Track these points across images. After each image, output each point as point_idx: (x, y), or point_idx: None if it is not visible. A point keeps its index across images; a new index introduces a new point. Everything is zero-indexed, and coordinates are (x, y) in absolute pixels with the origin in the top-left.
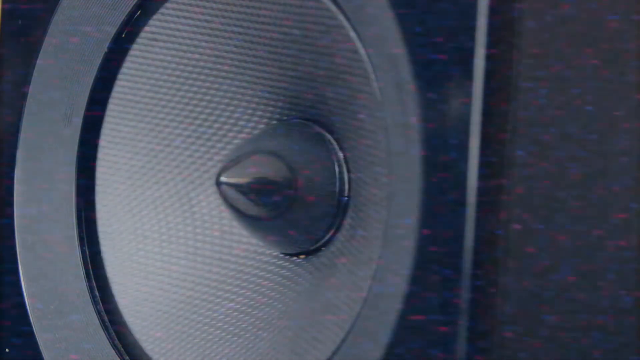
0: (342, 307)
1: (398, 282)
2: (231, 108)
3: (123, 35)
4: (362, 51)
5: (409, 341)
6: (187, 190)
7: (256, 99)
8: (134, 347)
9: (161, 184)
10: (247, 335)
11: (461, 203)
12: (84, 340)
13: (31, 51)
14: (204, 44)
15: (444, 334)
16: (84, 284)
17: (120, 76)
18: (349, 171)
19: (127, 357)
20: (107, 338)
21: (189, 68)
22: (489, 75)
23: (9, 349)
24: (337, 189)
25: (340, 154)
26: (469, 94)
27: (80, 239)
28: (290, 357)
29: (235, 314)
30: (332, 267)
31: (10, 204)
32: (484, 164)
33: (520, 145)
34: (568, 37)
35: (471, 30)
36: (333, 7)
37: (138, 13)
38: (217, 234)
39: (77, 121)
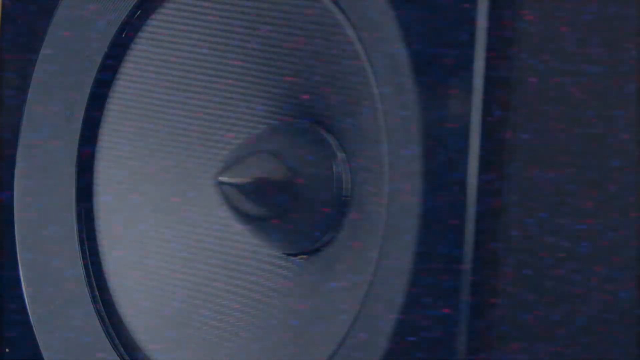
0: (342, 307)
1: (398, 282)
2: (231, 108)
3: (123, 35)
4: (362, 51)
5: (408, 341)
6: (187, 190)
7: (256, 99)
8: (134, 347)
9: (161, 184)
10: (247, 335)
11: (461, 203)
12: (84, 340)
13: (31, 51)
14: (204, 43)
15: (444, 334)
16: (84, 284)
17: (120, 76)
18: (349, 171)
19: (127, 357)
20: (107, 338)
21: (189, 68)
22: (489, 75)
23: (9, 349)
24: (337, 189)
25: (340, 154)
26: (469, 94)
27: (80, 238)
28: (290, 357)
29: (235, 314)
30: (332, 267)
31: (10, 203)
32: (484, 164)
33: (521, 145)
34: (568, 36)
35: (471, 30)
36: (333, 7)
37: (138, 13)
38: (216, 230)
39: (77, 121)
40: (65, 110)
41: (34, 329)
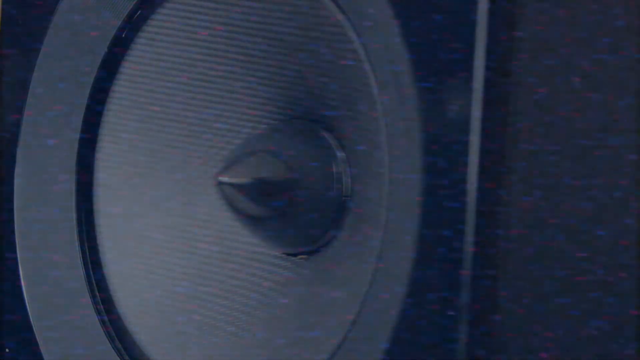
0: (342, 307)
1: (398, 282)
2: (231, 108)
3: (123, 35)
4: (361, 51)
5: (408, 341)
6: (187, 190)
7: (256, 99)
8: (134, 347)
9: (161, 184)
10: (247, 335)
11: (462, 203)
12: (84, 340)
13: (31, 51)
14: (203, 43)
15: (443, 334)
16: (84, 284)
17: (120, 76)
18: (349, 171)
19: (127, 357)
20: (107, 338)
21: (189, 68)
22: (489, 74)
23: (9, 349)
24: (337, 189)
25: (340, 154)
26: (469, 94)
27: (80, 239)
28: (290, 357)
29: (235, 313)
30: (332, 267)
31: (10, 203)
32: (484, 164)
33: (521, 145)
34: (569, 36)
35: (471, 30)
36: (333, 7)
37: (138, 13)
38: (214, 232)
39: (77, 121)
40: (65, 110)
41: (34, 329)
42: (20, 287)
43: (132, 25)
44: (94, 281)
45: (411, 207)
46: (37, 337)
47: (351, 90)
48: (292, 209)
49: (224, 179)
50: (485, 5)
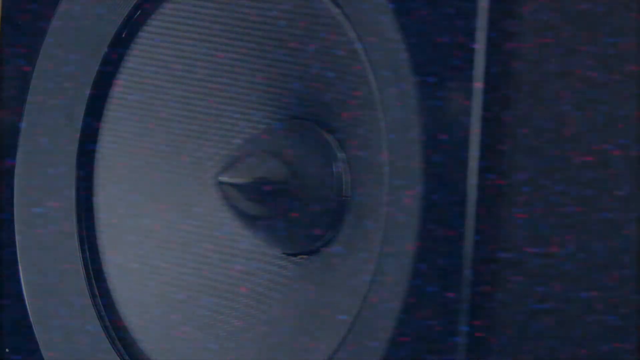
0: (342, 307)
1: (398, 282)
2: (231, 108)
3: (123, 35)
4: (361, 51)
5: (408, 342)
6: (187, 190)
7: (256, 99)
8: (134, 347)
9: (161, 184)
10: (247, 335)
11: (462, 202)
12: (84, 340)
13: (31, 51)
14: (203, 43)
15: (443, 334)
16: (84, 284)
17: (120, 76)
18: (349, 171)
19: (127, 357)
20: (107, 338)
21: (189, 68)
22: (489, 74)
23: (9, 349)
24: (337, 189)
25: (340, 154)
26: (469, 93)
27: (80, 238)
28: (290, 356)
29: (235, 313)
30: (332, 267)
31: (10, 203)
32: (484, 163)
33: (521, 143)
34: (569, 33)
35: (471, 29)
36: (333, 7)
37: (138, 13)
38: (217, 233)
39: (77, 121)
40: (65, 110)
41: (34, 329)
42: (20, 287)
43: (132, 25)
44: (94, 281)
45: (411, 207)
46: (37, 337)
47: (351, 90)
48: (292, 208)
49: (224, 178)
50: (485, 3)
